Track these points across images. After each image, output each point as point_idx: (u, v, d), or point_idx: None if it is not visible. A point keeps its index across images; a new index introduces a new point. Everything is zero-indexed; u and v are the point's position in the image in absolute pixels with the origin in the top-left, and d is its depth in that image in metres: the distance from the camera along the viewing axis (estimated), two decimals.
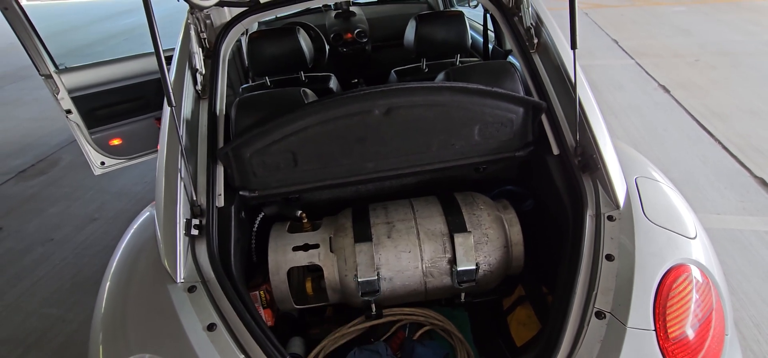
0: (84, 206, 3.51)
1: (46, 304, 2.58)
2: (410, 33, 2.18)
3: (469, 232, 1.43)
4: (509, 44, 1.80)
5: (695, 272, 1.12)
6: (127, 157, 2.74)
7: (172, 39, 1.74)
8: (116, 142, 2.67)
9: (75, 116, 2.50)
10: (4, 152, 4.60)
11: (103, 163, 2.67)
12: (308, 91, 1.62)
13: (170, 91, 1.24)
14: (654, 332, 1.03)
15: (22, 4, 2.16)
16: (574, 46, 1.32)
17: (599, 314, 1.07)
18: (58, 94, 2.43)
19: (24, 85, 6.74)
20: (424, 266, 1.42)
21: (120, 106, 2.62)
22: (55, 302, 2.59)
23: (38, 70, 2.36)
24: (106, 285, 1.28)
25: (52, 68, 2.37)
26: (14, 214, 3.52)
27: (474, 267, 1.39)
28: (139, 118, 2.67)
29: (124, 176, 3.76)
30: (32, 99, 6.06)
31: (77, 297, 2.60)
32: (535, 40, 1.65)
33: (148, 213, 1.46)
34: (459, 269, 1.39)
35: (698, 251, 1.18)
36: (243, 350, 1.07)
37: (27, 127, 5.15)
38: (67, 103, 2.46)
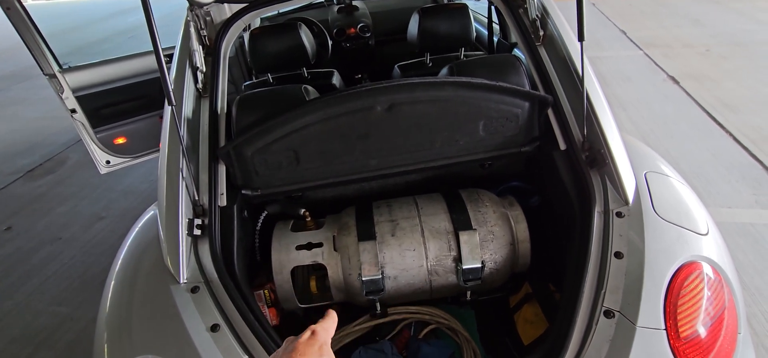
0: (91, 204, 3.54)
1: (55, 302, 2.61)
2: (413, 27, 2.15)
3: (475, 229, 1.41)
4: (514, 37, 1.77)
5: (707, 269, 1.09)
6: (132, 156, 2.76)
7: (174, 38, 1.73)
8: (121, 140, 2.69)
9: (80, 116, 2.52)
10: (13, 152, 4.65)
11: (108, 161, 2.69)
12: (309, 88, 1.60)
13: (170, 90, 1.23)
14: (665, 331, 1.00)
15: (24, 3, 2.16)
16: (581, 37, 1.29)
17: (608, 313, 1.04)
18: (62, 93, 2.43)
19: (31, 84, 6.80)
20: (429, 264, 1.40)
21: (124, 105, 2.63)
22: (63, 300, 2.62)
23: (42, 70, 2.37)
24: (111, 285, 1.28)
25: (55, 68, 2.38)
26: (23, 213, 3.56)
27: (480, 265, 1.37)
28: (143, 117, 2.68)
29: (129, 175, 3.79)
30: (39, 98, 6.12)
31: (85, 296, 2.63)
32: (541, 33, 1.61)
33: (151, 212, 1.45)
34: (464, 267, 1.37)
35: (710, 248, 1.15)
36: (246, 351, 1.07)
37: (34, 127, 5.21)
38: (71, 102, 2.47)
